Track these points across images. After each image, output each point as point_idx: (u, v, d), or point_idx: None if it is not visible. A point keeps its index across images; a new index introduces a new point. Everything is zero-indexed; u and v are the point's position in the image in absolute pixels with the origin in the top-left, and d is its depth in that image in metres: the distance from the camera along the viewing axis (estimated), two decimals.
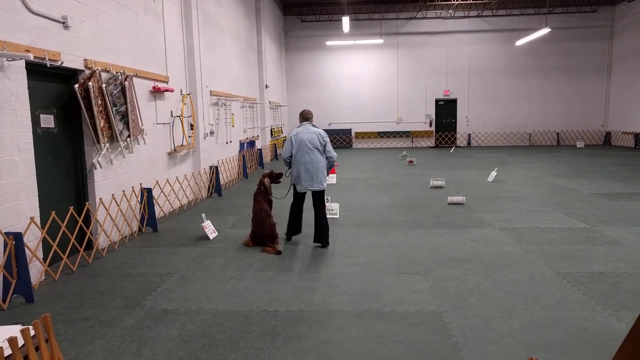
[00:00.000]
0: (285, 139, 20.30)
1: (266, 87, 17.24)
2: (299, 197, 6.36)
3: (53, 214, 5.01)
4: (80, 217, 5.56)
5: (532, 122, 23.08)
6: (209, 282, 4.97)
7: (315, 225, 6.21)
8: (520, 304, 4.26)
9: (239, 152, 13.56)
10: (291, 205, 6.46)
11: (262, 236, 6.17)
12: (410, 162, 15.80)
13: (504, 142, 23.32)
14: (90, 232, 5.88)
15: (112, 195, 6.36)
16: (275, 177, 6.64)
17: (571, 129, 22.98)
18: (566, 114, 22.87)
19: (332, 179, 11.96)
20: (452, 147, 22.68)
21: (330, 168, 6.29)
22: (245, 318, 4.08)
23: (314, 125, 6.24)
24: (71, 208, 5.36)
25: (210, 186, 10.32)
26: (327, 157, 6.16)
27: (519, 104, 22.94)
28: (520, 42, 20.56)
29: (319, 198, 6.18)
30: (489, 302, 4.31)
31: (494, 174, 11.75)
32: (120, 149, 6.66)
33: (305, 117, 6.31)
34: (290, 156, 6.13)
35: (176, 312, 4.22)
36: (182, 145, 9.20)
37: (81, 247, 5.60)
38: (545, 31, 17.72)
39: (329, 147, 6.16)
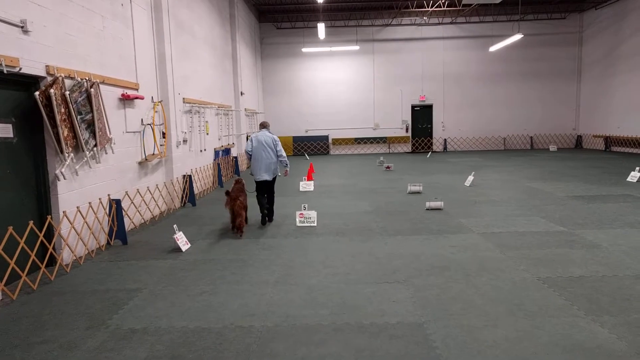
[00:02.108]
0: None
1: (242, 94, 17.01)
2: (260, 187, 8.00)
3: (10, 229, 4.69)
4: (41, 232, 5.24)
5: (506, 127, 23.41)
6: (180, 297, 4.72)
7: (267, 205, 7.98)
8: (503, 312, 4.15)
9: (214, 160, 13.27)
10: (256, 196, 8.08)
11: (236, 200, 7.24)
12: (388, 167, 15.76)
13: (479, 146, 23.59)
14: (53, 248, 5.56)
15: (77, 207, 6.04)
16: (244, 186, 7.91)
17: (544, 132, 23.41)
18: (539, 119, 23.29)
19: (309, 186, 11.79)
20: (429, 152, 22.81)
21: (283, 167, 8.07)
22: (218, 336, 3.86)
23: (270, 132, 8.06)
24: (31, 222, 5.04)
25: (184, 196, 10.01)
26: (278, 157, 7.90)
27: (493, 109, 23.26)
28: (493, 48, 20.87)
29: (270, 186, 8.02)
30: (471, 311, 4.19)
31: (471, 178, 11.77)
32: (86, 159, 6.35)
33: (263, 125, 8.21)
34: (250, 150, 7.89)
35: (144, 331, 3.97)
36: (153, 154, 8.89)
37: (42, 264, 5.27)
38: (517, 37, 18.01)
39: (280, 148, 7.91)
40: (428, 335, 3.75)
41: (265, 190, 8.00)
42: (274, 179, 8.02)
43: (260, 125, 8.26)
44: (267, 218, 7.93)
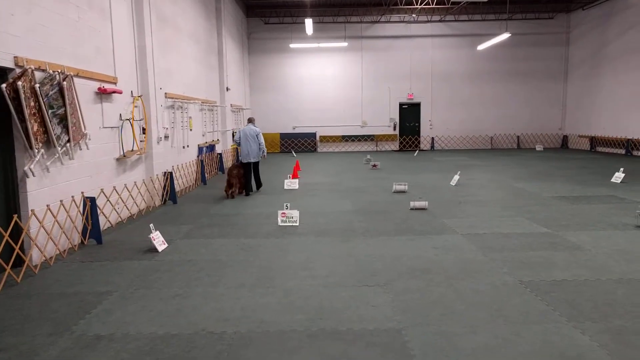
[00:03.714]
0: None
1: (227, 89, 16.75)
2: (246, 167, 10.68)
3: None
4: (7, 232, 5.01)
5: (493, 126, 23.47)
6: (151, 301, 4.54)
7: (255, 180, 11.05)
8: (483, 318, 4.04)
9: (197, 156, 13.03)
10: (244, 173, 10.68)
11: (237, 179, 10.29)
12: (375, 166, 15.66)
13: (466, 145, 23.61)
14: (21, 248, 5.33)
15: (47, 206, 5.81)
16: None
17: (531, 132, 23.51)
18: (526, 118, 23.39)
19: (294, 184, 11.63)
20: (416, 151, 22.77)
21: (262, 153, 10.72)
22: (188, 342, 3.69)
23: (254, 125, 10.75)
24: None
25: (165, 193, 9.78)
26: (259, 145, 10.59)
27: (481, 108, 23.29)
28: (481, 47, 20.86)
29: (254, 166, 10.88)
30: (451, 316, 4.08)
31: (456, 177, 11.71)
32: (58, 155, 6.11)
33: (250, 120, 10.95)
34: (238, 140, 10.59)
35: (110, 337, 3.78)
36: (132, 150, 8.65)
37: (8, 265, 5.04)
38: (505, 36, 18.00)
39: (261, 139, 10.62)
40: (406, 342, 3.62)
41: (252, 169, 10.78)
42: (258, 161, 10.78)
43: (247, 120, 10.97)
44: (253, 189, 10.93)
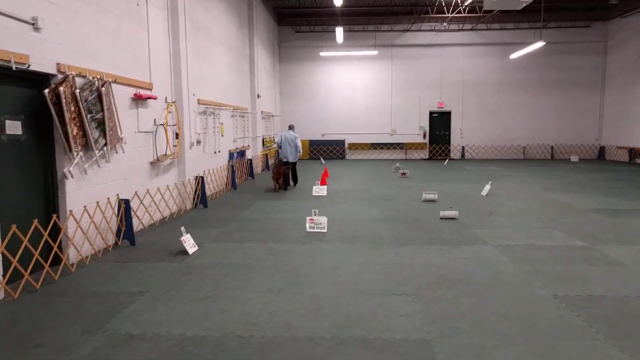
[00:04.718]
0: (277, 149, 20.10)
1: (258, 96, 16.98)
2: (285, 164, 12.49)
3: (14, 227, 4.64)
4: (46, 231, 5.19)
5: (526, 136, 22.95)
6: (181, 303, 4.61)
7: (292, 177, 12.89)
8: (515, 331, 3.93)
9: (228, 162, 13.23)
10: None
11: (282, 175, 12.18)
12: (404, 174, 15.53)
13: (497, 155, 23.15)
14: (58, 247, 5.51)
15: (84, 207, 6.00)
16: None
17: (565, 142, 22.87)
18: (560, 128, 22.77)
19: (322, 190, 11.64)
20: (446, 159, 22.47)
21: (298, 152, 12.61)
22: (216, 345, 3.73)
23: (294, 132, 12.66)
24: (35, 221, 4.98)
25: (196, 197, 9.96)
26: (296, 147, 12.46)
27: (513, 117, 22.83)
28: (514, 56, 20.49)
29: (292, 165, 12.67)
30: (481, 329, 3.99)
31: (487, 187, 11.48)
32: (95, 158, 6.31)
33: (290, 127, 12.97)
34: (280, 143, 12.46)
35: (141, 337, 3.86)
36: (165, 154, 8.86)
37: (47, 263, 5.22)
38: (539, 45, 17.63)
39: (299, 142, 12.53)
40: (435, 354, 3.56)
41: (290, 168, 12.66)
42: (295, 161, 12.72)
43: (288, 126, 13.09)
44: (293, 184, 12.93)
